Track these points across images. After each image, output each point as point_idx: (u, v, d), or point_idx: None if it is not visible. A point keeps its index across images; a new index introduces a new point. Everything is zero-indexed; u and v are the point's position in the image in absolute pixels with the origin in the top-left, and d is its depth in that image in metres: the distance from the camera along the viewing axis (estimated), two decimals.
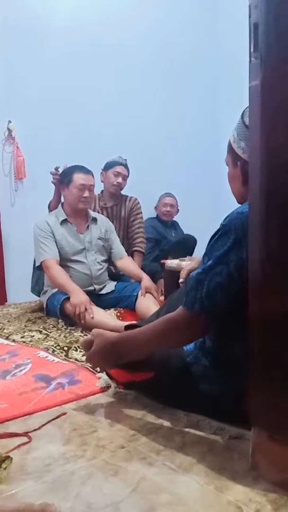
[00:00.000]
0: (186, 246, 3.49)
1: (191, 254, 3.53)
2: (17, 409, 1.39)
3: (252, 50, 0.93)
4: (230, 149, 1.26)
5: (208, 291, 1.10)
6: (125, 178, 3.17)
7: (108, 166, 3.18)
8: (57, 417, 1.33)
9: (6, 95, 3.14)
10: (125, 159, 3.20)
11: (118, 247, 2.82)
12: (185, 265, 2.24)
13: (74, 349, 2.01)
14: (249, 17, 0.93)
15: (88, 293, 2.48)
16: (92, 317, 2.29)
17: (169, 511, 0.91)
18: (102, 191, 3.26)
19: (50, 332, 2.31)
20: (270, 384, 0.98)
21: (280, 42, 0.89)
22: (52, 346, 2.06)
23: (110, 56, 3.61)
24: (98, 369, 1.57)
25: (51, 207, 2.88)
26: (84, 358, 1.73)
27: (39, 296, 2.81)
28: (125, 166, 3.18)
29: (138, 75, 3.78)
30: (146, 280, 2.62)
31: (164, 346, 1.27)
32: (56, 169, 2.78)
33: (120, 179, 3.13)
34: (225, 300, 1.10)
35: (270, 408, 0.98)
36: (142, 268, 2.92)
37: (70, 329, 2.35)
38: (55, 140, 3.30)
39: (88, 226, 2.71)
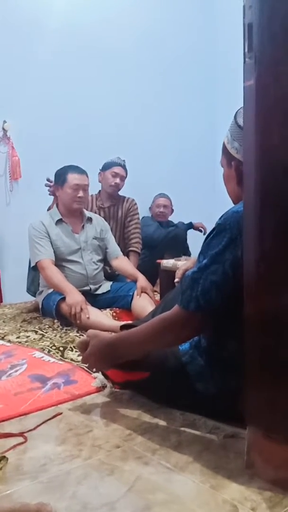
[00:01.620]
0: (177, 241, 3.52)
1: (184, 247, 3.56)
2: (13, 409, 1.39)
3: (246, 50, 0.93)
4: (225, 150, 1.27)
5: (203, 289, 1.10)
6: (123, 179, 3.17)
7: (106, 167, 3.18)
8: (52, 417, 1.33)
9: (1, 95, 3.13)
10: (124, 160, 3.20)
11: (113, 247, 2.81)
12: (181, 264, 2.25)
13: (70, 349, 2.01)
14: (244, 17, 0.94)
15: (84, 293, 2.48)
16: (88, 317, 2.29)
17: (165, 510, 0.91)
18: (100, 191, 3.25)
19: (46, 332, 2.31)
20: (265, 383, 0.98)
21: (274, 42, 0.89)
22: (48, 346, 2.06)
23: (106, 57, 3.60)
24: (94, 369, 1.57)
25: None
26: (80, 358, 1.74)
27: (34, 296, 2.81)
28: (123, 167, 3.18)
29: (133, 76, 3.77)
30: (142, 280, 2.62)
31: (160, 345, 1.27)
32: (48, 179, 2.79)
33: (118, 180, 3.13)
34: (220, 299, 1.11)
35: (265, 406, 0.98)
36: (138, 268, 2.92)
37: (65, 329, 2.35)
38: (51, 140, 3.29)
39: (83, 226, 2.71)
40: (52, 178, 2.74)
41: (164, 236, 3.52)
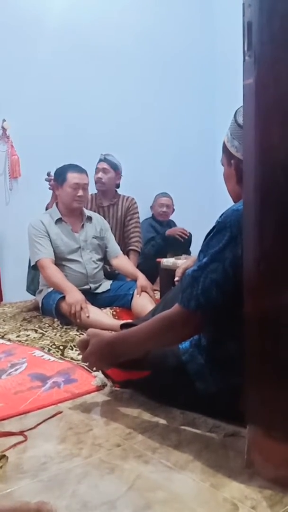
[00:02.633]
0: (182, 242, 3.49)
1: (188, 249, 3.53)
2: (13, 408, 1.39)
3: (246, 48, 0.93)
4: (225, 148, 1.27)
5: (203, 288, 1.10)
6: (105, 171, 3.13)
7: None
8: (53, 416, 1.33)
9: (0, 94, 3.12)
10: (105, 154, 3.17)
11: (113, 246, 2.81)
12: (181, 263, 2.25)
13: (70, 348, 2.01)
14: (243, 15, 0.94)
15: (84, 292, 2.48)
16: (88, 316, 2.29)
17: (165, 508, 0.91)
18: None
19: (46, 331, 2.31)
20: (265, 382, 0.98)
21: (274, 40, 0.89)
22: (48, 345, 2.06)
23: (105, 56, 3.60)
24: (94, 368, 1.57)
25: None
26: (79, 357, 1.74)
27: (34, 295, 2.81)
28: (105, 160, 3.14)
29: (133, 75, 3.77)
30: (142, 279, 2.62)
31: (160, 343, 1.27)
32: (48, 174, 2.79)
33: (99, 174, 3.12)
34: (221, 297, 1.11)
35: (265, 405, 0.98)
36: (138, 267, 2.92)
37: (65, 328, 2.35)
38: (50, 139, 3.29)
39: (83, 225, 2.71)
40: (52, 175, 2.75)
41: (156, 250, 3.47)
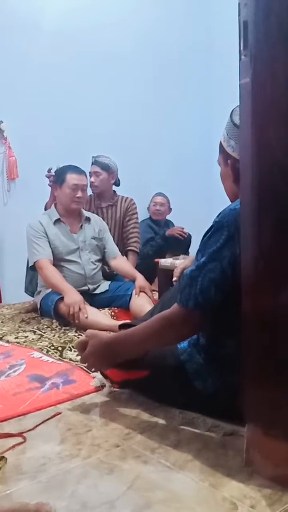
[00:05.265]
0: (182, 243, 3.49)
1: (187, 249, 3.53)
2: (12, 409, 1.39)
3: (242, 48, 0.93)
4: (221, 148, 1.28)
5: (202, 287, 1.11)
6: (97, 174, 3.09)
7: None
8: (51, 417, 1.33)
9: None
10: (96, 156, 3.14)
11: (111, 247, 2.81)
12: (179, 263, 2.25)
13: (69, 349, 2.00)
14: (239, 15, 0.94)
15: (82, 292, 2.48)
16: (86, 317, 2.29)
17: (165, 508, 0.91)
18: None
19: (44, 333, 2.31)
20: (263, 380, 0.98)
21: (270, 39, 0.89)
22: (46, 346, 2.06)
23: (102, 57, 3.60)
24: (93, 369, 1.57)
25: (48, 208, 2.87)
26: (78, 357, 1.74)
27: (33, 296, 2.81)
28: (95, 162, 3.11)
29: (130, 76, 3.76)
30: (140, 279, 2.62)
31: (159, 343, 1.27)
32: (49, 170, 2.79)
33: (92, 178, 3.11)
34: (219, 296, 1.11)
35: (264, 403, 0.98)
36: (136, 267, 2.92)
37: (64, 329, 2.35)
38: (47, 141, 3.29)
39: (81, 225, 2.71)
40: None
41: (156, 250, 3.47)
